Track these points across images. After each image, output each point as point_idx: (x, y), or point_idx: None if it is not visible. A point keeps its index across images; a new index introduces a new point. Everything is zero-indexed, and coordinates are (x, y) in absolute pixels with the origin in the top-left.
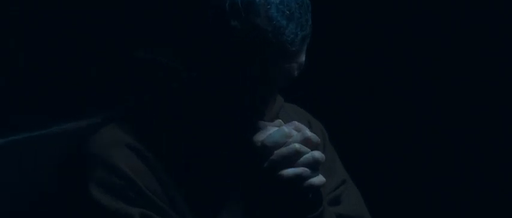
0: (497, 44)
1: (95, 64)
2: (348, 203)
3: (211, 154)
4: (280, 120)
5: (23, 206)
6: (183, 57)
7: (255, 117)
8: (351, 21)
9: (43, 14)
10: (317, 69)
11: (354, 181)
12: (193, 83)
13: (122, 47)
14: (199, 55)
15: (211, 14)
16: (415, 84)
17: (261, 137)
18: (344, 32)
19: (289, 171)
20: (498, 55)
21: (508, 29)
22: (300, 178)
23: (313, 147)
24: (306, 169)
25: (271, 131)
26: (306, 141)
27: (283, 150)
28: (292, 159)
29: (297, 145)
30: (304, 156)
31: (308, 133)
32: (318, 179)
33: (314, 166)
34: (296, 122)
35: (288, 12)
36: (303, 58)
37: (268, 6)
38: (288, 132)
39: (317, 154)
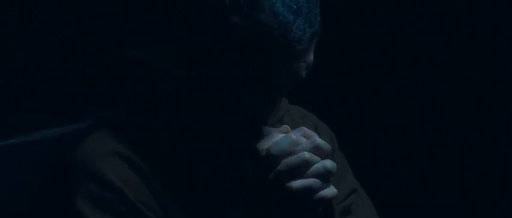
0: (503, 44)
1: (95, 64)
2: (359, 215)
3: (211, 162)
4: (287, 126)
5: (22, 206)
6: (182, 57)
7: (259, 122)
8: (363, 17)
9: (43, 14)
10: (325, 69)
11: (364, 189)
12: (193, 83)
13: (122, 47)
14: (199, 54)
15: (211, 10)
16: (427, 86)
17: (266, 145)
18: (354, 29)
19: (297, 183)
20: (505, 55)
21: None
22: (309, 191)
23: (324, 155)
24: (316, 180)
25: (277, 138)
26: (315, 149)
27: (291, 160)
28: (301, 169)
29: (307, 154)
30: (314, 166)
31: (318, 140)
32: (330, 191)
33: (325, 177)
34: (305, 128)
35: (295, 6)
36: (311, 57)
37: (273, 0)
38: (296, 140)
39: (328, 163)
